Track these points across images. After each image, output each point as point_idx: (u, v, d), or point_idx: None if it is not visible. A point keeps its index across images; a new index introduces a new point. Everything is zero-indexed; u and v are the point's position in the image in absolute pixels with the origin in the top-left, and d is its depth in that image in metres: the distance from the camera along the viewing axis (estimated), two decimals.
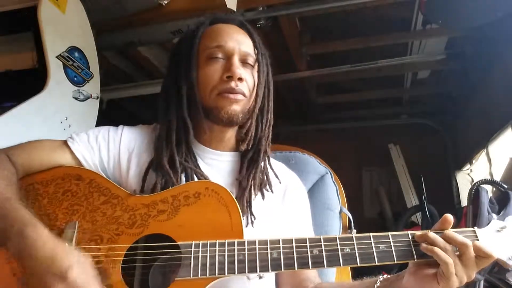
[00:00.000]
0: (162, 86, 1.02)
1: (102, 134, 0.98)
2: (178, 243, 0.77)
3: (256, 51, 0.98)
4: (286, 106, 3.66)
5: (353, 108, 3.82)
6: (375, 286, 0.84)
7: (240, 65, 0.94)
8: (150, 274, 0.81)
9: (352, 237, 0.76)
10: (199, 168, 0.95)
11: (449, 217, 0.76)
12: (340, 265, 0.74)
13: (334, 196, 1.32)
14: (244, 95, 0.94)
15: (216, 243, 0.76)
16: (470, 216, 2.03)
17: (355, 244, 0.75)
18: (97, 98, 1.80)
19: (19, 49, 1.68)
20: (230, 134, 1.01)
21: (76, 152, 0.93)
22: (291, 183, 1.07)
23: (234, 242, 0.76)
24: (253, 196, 0.95)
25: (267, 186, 1.00)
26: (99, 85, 1.83)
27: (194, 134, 0.96)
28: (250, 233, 0.86)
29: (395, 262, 0.75)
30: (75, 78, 1.68)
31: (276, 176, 1.03)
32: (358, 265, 0.74)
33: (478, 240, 0.76)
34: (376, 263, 0.74)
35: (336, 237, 0.76)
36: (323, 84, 3.41)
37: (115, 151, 0.96)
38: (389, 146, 3.74)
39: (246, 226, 0.90)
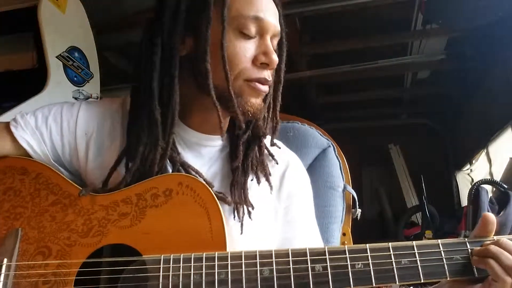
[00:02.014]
0: (153, 40, 0.72)
1: (53, 115, 0.77)
2: (144, 257, 0.62)
3: (280, 28, 0.78)
4: (286, 106, 3.65)
5: (353, 108, 3.82)
6: None
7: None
8: None
9: (366, 248, 0.60)
10: (183, 157, 0.77)
11: (490, 216, 0.62)
12: (350, 285, 0.59)
13: (338, 173, 1.16)
14: (269, 86, 0.77)
15: (191, 257, 0.61)
16: (470, 216, 2.04)
17: (369, 258, 0.59)
18: (97, 98, 1.80)
19: (19, 49, 1.69)
20: (228, 118, 0.82)
21: (20, 139, 0.74)
22: (291, 163, 0.90)
23: (214, 256, 0.60)
24: (248, 181, 0.80)
25: (264, 168, 0.83)
26: (99, 85, 1.83)
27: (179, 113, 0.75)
28: (249, 227, 0.76)
29: (421, 281, 0.60)
30: (75, 78, 1.68)
31: (273, 157, 0.86)
32: (374, 285, 0.59)
33: None
34: (397, 283, 0.60)
35: (345, 249, 0.60)
36: (323, 84, 3.41)
37: (70, 136, 0.77)
38: (389, 146, 3.74)
39: (243, 217, 0.76)
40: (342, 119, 3.94)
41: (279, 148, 0.89)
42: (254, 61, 0.72)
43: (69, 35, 1.65)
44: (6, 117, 1.35)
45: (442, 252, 0.60)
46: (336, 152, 1.19)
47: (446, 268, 0.59)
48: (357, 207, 1.18)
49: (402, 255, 0.60)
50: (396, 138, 3.73)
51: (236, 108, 0.72)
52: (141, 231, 0.65)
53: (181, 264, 0.60)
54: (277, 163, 0.86)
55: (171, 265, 0.61)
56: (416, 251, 0.60)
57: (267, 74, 0.74)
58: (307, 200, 0.90)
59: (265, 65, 0.73)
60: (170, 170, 0.74)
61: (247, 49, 0.72)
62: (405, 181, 3.60)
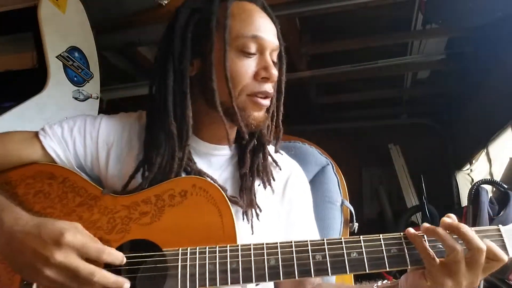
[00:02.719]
0: (166, 66, 0.80)
1: (78, 127, 0.86)
2: (164, 250, 0.70)
3: (279, 42, 0.85)
4: (286, 106, 3.65)
5: (353, 108, 3.82)
6: None
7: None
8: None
9: (360, 239, 0.68)
10: (198, 167, 0.85)
11: (448, 219, 0.67)
12: (346, 272, 0.66)
13: (336, 188, 1.25)
14: (271, 98, 0.85)
15: (206, 249, 0.68)
16: (470, 216, 2.03)
17: (363, 247, 0.67)
18: (97, 98, 1.80)
19: (19, 49, 1.69)
20: (235, 129, 0.91)
21: (48, 148, 0.83)
22: (293, 171, 0.98)
23: (226, 248, 0.68)
24: (256, 186, 0.88)
25: (269, 174, 0.91)
26: (99, 85, 1.83)
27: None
28: (257, 227, 0.83)
29: (409, 267, 0.67)
30: (75, 78, 1.68)
31: (276, 163, 0.94)
32: (367, 271, 0.66)
33: (503, 240, 0.66)
34: (387, 269, 0.66)
35: (341, 240, 0.68)
36: (323, 84, 3.41)
37: (92, 146, 0.85)
38: (389, 146, 3.73)
39: (252, 219, 0.84)
40: (342, 119, 3.94)
41: (282, 154, 0.97)
42: (256, 76, 0.80)
43: (69, 35, 1.65)
44: (6, 116, 1.35)
45: (426, 241, 0.67)
46: (334, 169, 1.28)
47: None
48: (354, 221, 1.25)
49: (392, 244, 0.68)
50: (396, 138, 3.72)
51: (240, 121, 0.80)
52: (160, 228, 0.73)
53: (197, 256, 0.68)
54: (280, 169, 0.94)
55: (188, 256, 0.68)
56: (403, 240, 0.68)
57: (268, 87, 0.81)
58: (307, 205, 0.98)
59: (265, 79, 0.80)
60: None
61: (248, 66, 0.80)
62: (405, 181, 3.59)
